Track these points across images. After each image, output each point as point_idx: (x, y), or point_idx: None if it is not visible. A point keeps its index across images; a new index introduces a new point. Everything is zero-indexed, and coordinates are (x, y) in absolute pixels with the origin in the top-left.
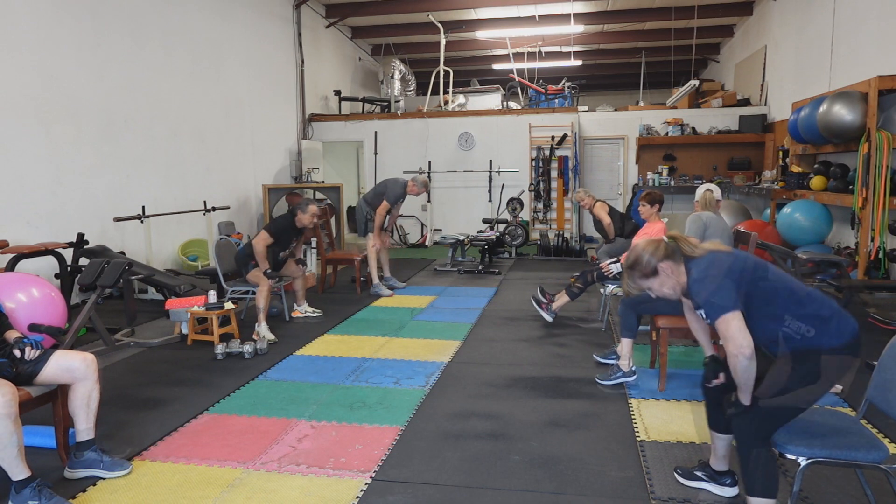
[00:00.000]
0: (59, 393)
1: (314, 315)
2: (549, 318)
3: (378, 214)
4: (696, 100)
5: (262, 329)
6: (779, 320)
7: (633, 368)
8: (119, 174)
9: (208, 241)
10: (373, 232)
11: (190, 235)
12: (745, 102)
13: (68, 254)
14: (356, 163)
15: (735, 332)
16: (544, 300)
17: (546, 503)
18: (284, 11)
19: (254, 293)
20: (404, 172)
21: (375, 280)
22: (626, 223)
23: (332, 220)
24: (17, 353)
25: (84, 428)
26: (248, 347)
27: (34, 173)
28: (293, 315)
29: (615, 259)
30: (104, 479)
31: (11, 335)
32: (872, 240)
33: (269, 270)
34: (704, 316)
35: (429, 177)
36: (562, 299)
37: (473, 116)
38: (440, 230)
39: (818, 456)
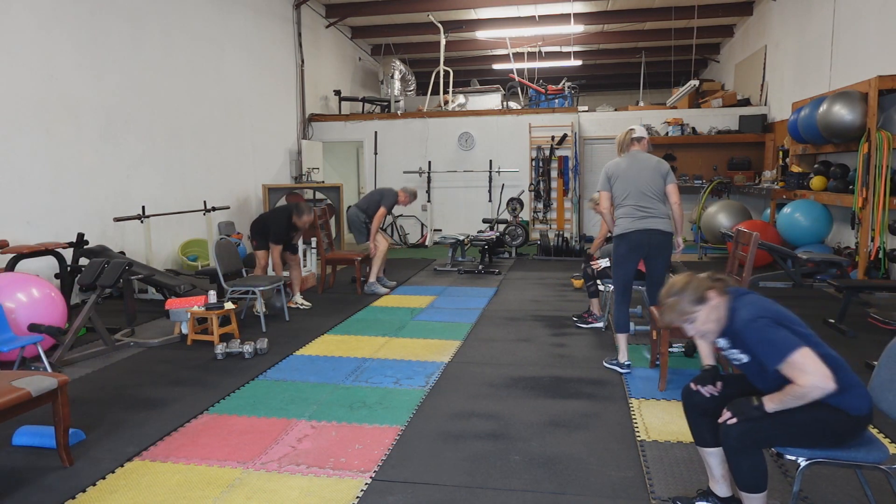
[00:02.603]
0: (59, 393)
1: (305, 307)
2: (601, 324)
3: (376, 219)
4: (696, 100)
5: (299, 298)
6: None
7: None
8: (119, 174)
9: (208, 241)
10: (369, 237)
11: (190, 235)
12: (745, 102)
13: (68, 254)
14: (356, 163)
15: (816, 364)
16: (586, 318)
17: (546, 503)
18: (284, 11)
19: (254, 293)
20: (404, 172)
21: (373, 278)
22: None
23: (332, 221)
24: None
25: None
26: (248, 347)
27: (34, 173)
28: (288, 305)
29: (607, 260)
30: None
31: None
32: (872, 240)
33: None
34: (759, 360)
35: (429, 177)
36: (591, 304)
37: (473, 116)
38: (440, 230)
39: (818, 457)
